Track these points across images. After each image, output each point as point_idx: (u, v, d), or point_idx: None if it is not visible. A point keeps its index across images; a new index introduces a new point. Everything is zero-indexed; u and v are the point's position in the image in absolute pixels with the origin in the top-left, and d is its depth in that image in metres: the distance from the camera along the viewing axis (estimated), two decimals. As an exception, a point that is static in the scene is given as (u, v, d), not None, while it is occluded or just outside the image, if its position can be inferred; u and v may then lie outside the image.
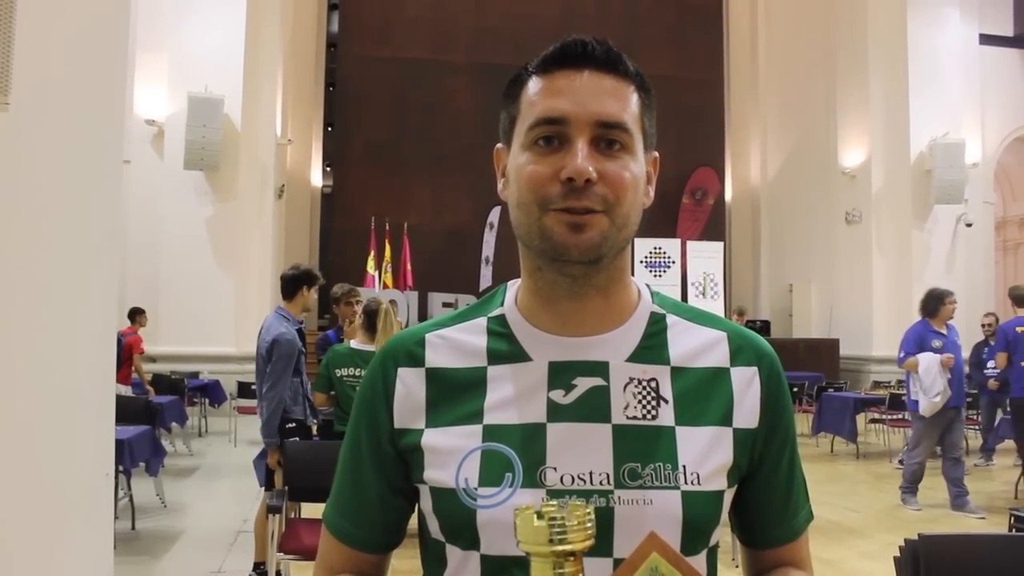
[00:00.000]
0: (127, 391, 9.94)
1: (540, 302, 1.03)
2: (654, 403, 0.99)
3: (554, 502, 0.76)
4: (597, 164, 0.94)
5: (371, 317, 5.18)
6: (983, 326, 10.08)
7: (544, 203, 0.95)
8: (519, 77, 1.03)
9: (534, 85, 1.00)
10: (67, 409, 2.47)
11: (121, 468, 5.71)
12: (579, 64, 0.98)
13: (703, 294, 15.30)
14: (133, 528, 6.10)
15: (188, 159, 12.73)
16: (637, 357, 1.01)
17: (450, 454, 0.98)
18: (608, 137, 0.96)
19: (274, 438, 4.76)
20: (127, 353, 10.17)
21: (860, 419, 10.26)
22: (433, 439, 1.00)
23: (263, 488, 5.01)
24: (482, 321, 1.07)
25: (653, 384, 1.00)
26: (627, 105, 0.98)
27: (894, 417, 10.13)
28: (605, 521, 0.92)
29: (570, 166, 0.93)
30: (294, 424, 4.83)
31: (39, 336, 2.34)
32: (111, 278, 2.79)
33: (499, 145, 1.07)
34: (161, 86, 13.27)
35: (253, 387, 6.60)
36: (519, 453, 0.96)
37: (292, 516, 4.71)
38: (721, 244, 16.83)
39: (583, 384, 0.99)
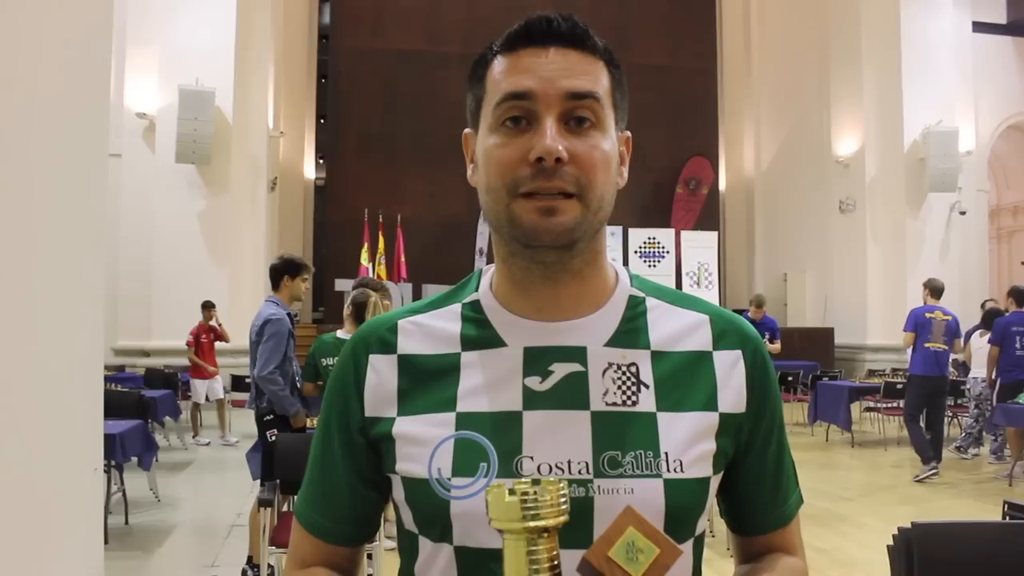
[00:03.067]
0: (203, 386, 10.00)
1: (514, 288, 1.00)
2: (634, 389, 0.96)
3: (527, 479, 0.74)
4: (566, 142, 0.91)
5: (359, 308, 5.20)
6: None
7: (513, 187, 0.92)
8: (484, 58, 1.00)
9: (499, 64, 0.97)
10: (54, 404, 2.45)
11: (113, 462, 5.69)
12: (544, 41, 0.95)
13: (698, 284, 15.30)
14: (126, 523, 6.09)
15: (180, 152, 12.67)
16: (616, 341, 0.99)
17: (422, 443, 0.95)
18: (578, 113, 0.93)
19: (295, 406, 4.88)
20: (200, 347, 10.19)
21: (855, 408, 10.27)
22: (405, 427, 0.97)
23: (256, 481, 5.02)
24: (456, 307, 1.04)
25: (633, 369, 0.97)
26: (596, 79, 0.95)
27: (889, 405, 10.14)
28: (584, 511, 0.89)
29: (539, 145, 0.90)
30: (272, 416, 4.87)
31: (24, 330, 2.31)
32: (98, 271, 2.76)
33: (467, 130, 1.04)
34: (151, 79, 13.21)
35: (247, 379, 6.63)
36: (494, 442, 0.93)
37: (286, 509, 4.70)
38: (715, 234, 16.84)
39: (560, 370, 0.96)
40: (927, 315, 8.31)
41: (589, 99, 0.93)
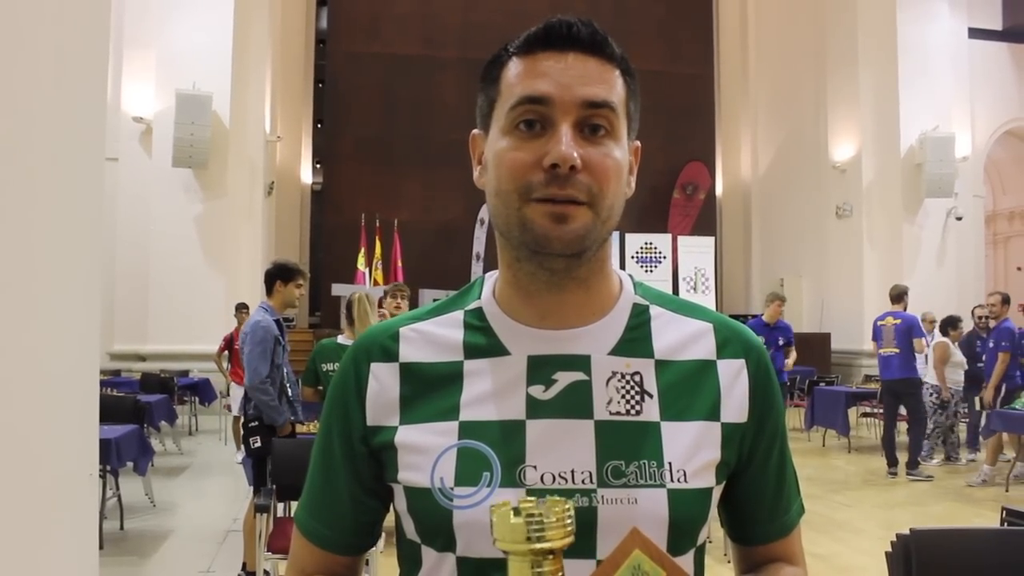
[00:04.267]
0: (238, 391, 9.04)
1: (519, 294, 0.99)
2: (638, 398, 0.95)
3: (532, 498, 0.73)
4: (581, 150, 0.90)
5: (348, 309, 5.19)
6: (979, 317, 10.07)
7: (525, 192, 0.91)
8: (499, 58, 0.99)
9: (516, 66, 0.96)
10: (49, 408, 2.44)
11: (108, 467, 5.67)
12: (564, 46, 0.94)
13: (694, 289, 15.27)
14: (122, 528, 6.07)
15: (176, 156, 12.64)
16: (620, 350, 0.98)
17: (425, 452, 0.94)
18: (592, 121, 0.92)
19: (284, 416, 4.80)
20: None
21: (852, 413, 10.28)
22: (407, 436, 0.96)
23: (251, 488, 5.00)
24: (459, 314, 1.03)
25: (637, 378, 0.96)
26: (613, 87, 0.94)
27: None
28: (588, 521, 0.88)
29: (554, 152, 0.89)
30: (257, 423, 4.79)
31: (19, 334, 2.30)
32: (94, 275, 2.75)
33: (475, 131, 1.03)
34: (149, 83, 13.18)
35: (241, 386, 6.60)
36: (497, 451, 0.92)
37: (283, 515, 4.68)
38: (712, 239, 16.77)
39: (564, 379, 0.95)
40: (879, 323, 8.97)
41: (605, 108, 0.92)
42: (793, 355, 8.75)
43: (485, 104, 1.00)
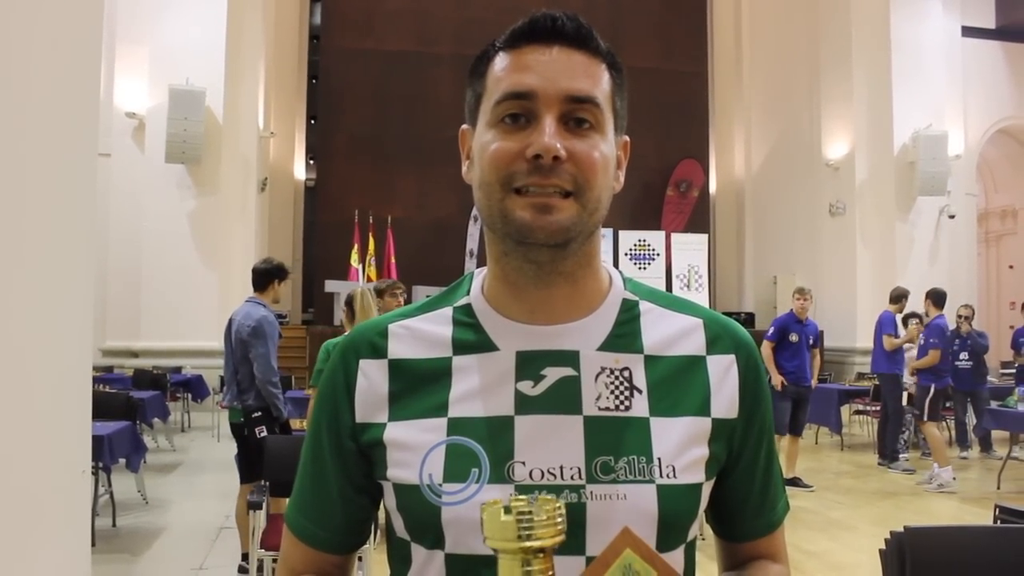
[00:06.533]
0: None
1: (507, 290, 0.99)
2: (627, 393, 0.95)
3: (523, 496, 0.73)
4: (566, 142, 0.90)
5: (351, 306, 5.20)
6: (962, 318, 10.00)
7: (507, 182, 0.91)
8: (486, 53, 0.99)
9: (501, 61, 0.96)
10: (42, 405, 2.43)
11: (101, 464, 5.66)
12: (548, 39, 0.94)
13: (688, 286, 15.35)
14: (114, 525, 6.05)
15: (169, 152, 12.61)
16: (609, 345, 0.98)
17: (414, 449, 0.94)
18: (577, 115, 0.92)
19: (287, 409, 5.07)
20: None
21: (845, 410, 10.31)
22: (396, 433, 0.96)
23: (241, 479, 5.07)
24: (447, 311, 1.03)
25: (626, 373, 0.96)
26: (598, 82, 0.94)
27: (877, 409, 10.18)
28: (577, 517, 0.88)
29: (537, 142, 0.89)
30: (260, 413, 4.90)
31: (12, 330, 2.29)
32: (87, 271, 2.74)
33: (464, 126, 1.03)
34: (142, 79, 13.16)
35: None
36: (486, 447, 0.92)
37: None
38: (706, 236, 16.85)
39: (552, 374, 0.95)
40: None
41: (589, 103, 0.92)
42: (818, 357, 8.53)
43: (472, 99, 1.00)
